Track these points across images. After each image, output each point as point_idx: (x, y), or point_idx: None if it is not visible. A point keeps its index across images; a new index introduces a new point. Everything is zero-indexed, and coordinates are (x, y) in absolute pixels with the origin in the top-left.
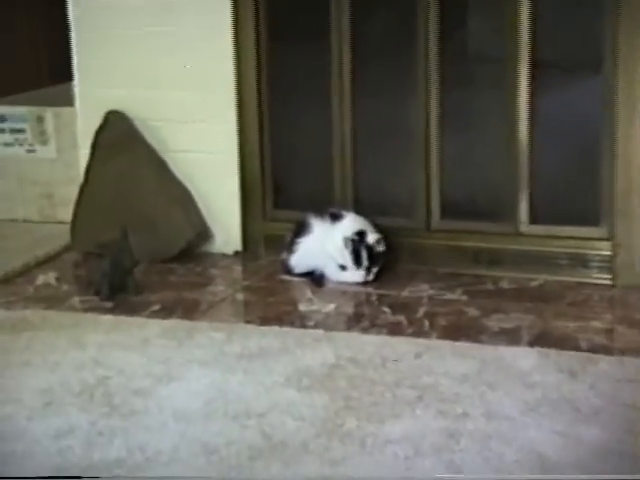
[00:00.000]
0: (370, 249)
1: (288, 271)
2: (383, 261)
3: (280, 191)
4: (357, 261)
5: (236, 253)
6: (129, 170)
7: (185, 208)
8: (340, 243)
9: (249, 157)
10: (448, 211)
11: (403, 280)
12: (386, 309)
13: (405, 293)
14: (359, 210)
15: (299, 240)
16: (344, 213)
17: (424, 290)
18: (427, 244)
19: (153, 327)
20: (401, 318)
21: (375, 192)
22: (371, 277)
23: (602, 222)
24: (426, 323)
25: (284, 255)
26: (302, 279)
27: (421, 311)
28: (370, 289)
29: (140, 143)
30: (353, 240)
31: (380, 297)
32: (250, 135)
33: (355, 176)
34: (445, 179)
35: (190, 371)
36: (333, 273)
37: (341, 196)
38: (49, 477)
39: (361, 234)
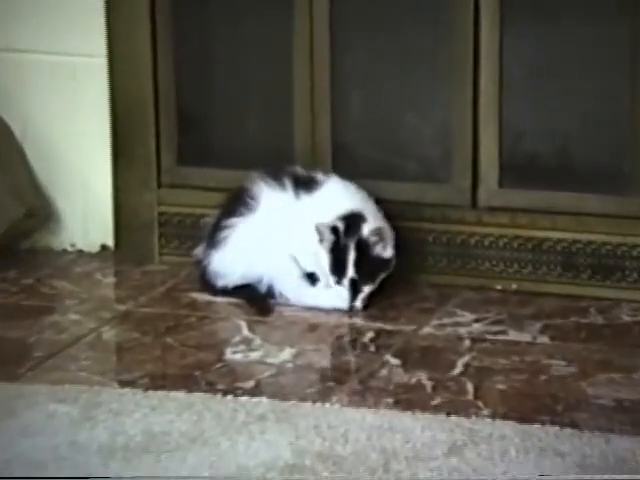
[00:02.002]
0: (363, 249)
1: (207, 284)
2: (386, 274)
3: (192, 132)
4: (337, 270)
5: (104, 250)
6: None
7: (4, 165)
8: (310, 233)
9: (129, 64)
10: (513, 174)
11: (424, 303)
12: (392, 359)
13: (428, 329)
14: (344, 170)
15: (230, 225)
16: (320, 177)
17: (465, 323)
18: (472, 235)
19: None
20: (421, 377)
21: (376, 137)
22: (359, 303)
23: None
24: (469, 387)
25: (200, 254)
26: (233, 300)
27: (459, 364)
28: (361, 320)
29: None
30: (335, 229)
31: (380, 335)
32: (132, 22)
33: (337, 106)
34: (508, 115)
35: None
36: (293, 289)
37: (311, 143)
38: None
39: (350, 219)
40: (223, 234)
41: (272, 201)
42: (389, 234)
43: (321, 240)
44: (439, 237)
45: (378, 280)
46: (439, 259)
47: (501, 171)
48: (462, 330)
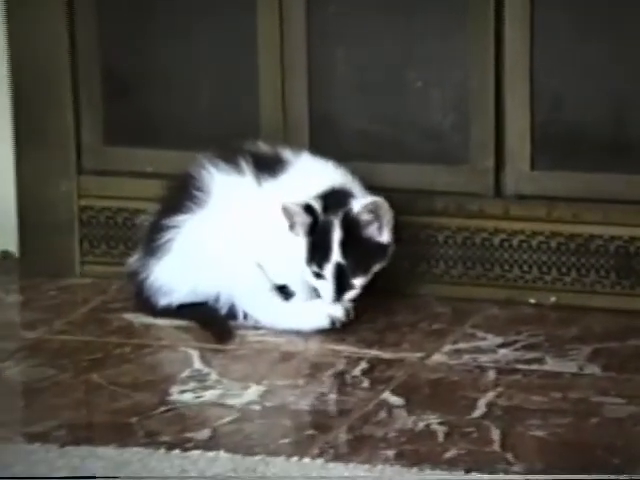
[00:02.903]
0: (352, 229)
1: (146, 302)
2: (382, 265)
3: (123, 100)
4: (316, 256)
5: (4, 258)
6: None
7: None
8: (277, 229)
9: (34, 6)
10: (549, 151)
11: (434, 323)
12: (392, 397)
13: (439, 357)
14: (326, 149)
15: (173, 224)
16: (287, 155)
17: (489, 349)
18: (497, 232)
19: None
20: (430, 421)
21: (369, 106)
22: (340, 313)
23: None
24: (494, 434)
25: (136, 264)
26: (181, 322)
27: (481, 404)
28: (351, 346)
29: None
30: (309, 208)
31: (376, 366)
32: None
33: (315, 66)
34: (541, 74)
35: None
36: (260, 307)
37: (282, 115)
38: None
39: (331, 196)
40: (165, 237)
41: (227, 191)
42: (387, 212)
43: (291, 225)
44: (453, 235)
45: (371, 272)
46: (453, 264)
47: (533, 148)
48: (484, 358)
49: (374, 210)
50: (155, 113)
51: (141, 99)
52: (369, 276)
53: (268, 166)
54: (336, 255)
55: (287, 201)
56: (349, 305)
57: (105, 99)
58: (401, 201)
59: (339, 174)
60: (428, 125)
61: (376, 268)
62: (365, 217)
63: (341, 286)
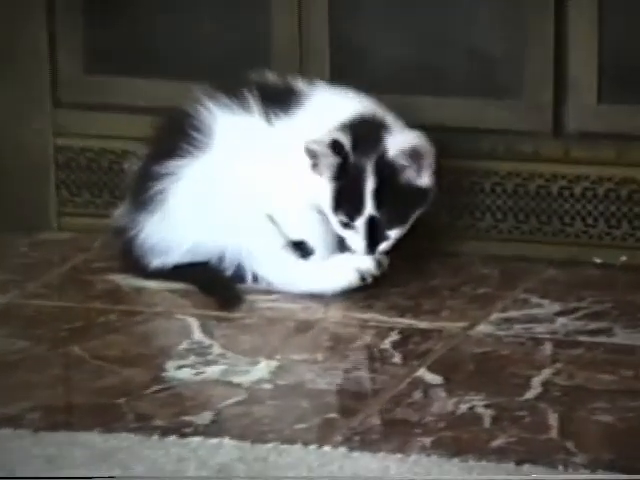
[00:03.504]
0: (387, 174)
1: (136, 262)
2: (420, 212)
3: (108, 20)
4: (346, 205)
5: None
6: None
7: None
8: (293, 164)
9: None
10: (620, 81)
11: (479, 287)
12: (428, 375)
13: (485, 327)
14: (350, 80)
15: (168, 171)
16: (301, 86)
17: (545, 318)
18: (555, 178)
19: None
20: (475, 403)
21: (400, 27)
22: (371, 264)
23: None
24: (552, 420)
25: (124, 217)
26: (177, 285)
27: (536, 383)
28: (379, 314)
29: None
30: (337, 146)
31: (410, 338)
32: None
33: None
34: None
35: None
36: (273, 267)
37: (297, 39)
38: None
39: (362, 129)
40: (158, 187)
41: (231, 131)
42: (428, 154)
43: (315, 165)
44: (503, 183)
45: (410, 221)
46: (502, 218)
47: (601, 77)
48: (540, 329)
49: (413, 152)
50: (146, 36)
51: (129, 19)
52: (407, 226)
53: (279, 101)
54: (369, 207)
55: (310, 140)
56: (382, 256)
57: (86, 18)
58: (441, 141)
59: (366, 106)
60: (474, 51)
61: (415, 215)
62: (402, 159)
63: (374, 239)
